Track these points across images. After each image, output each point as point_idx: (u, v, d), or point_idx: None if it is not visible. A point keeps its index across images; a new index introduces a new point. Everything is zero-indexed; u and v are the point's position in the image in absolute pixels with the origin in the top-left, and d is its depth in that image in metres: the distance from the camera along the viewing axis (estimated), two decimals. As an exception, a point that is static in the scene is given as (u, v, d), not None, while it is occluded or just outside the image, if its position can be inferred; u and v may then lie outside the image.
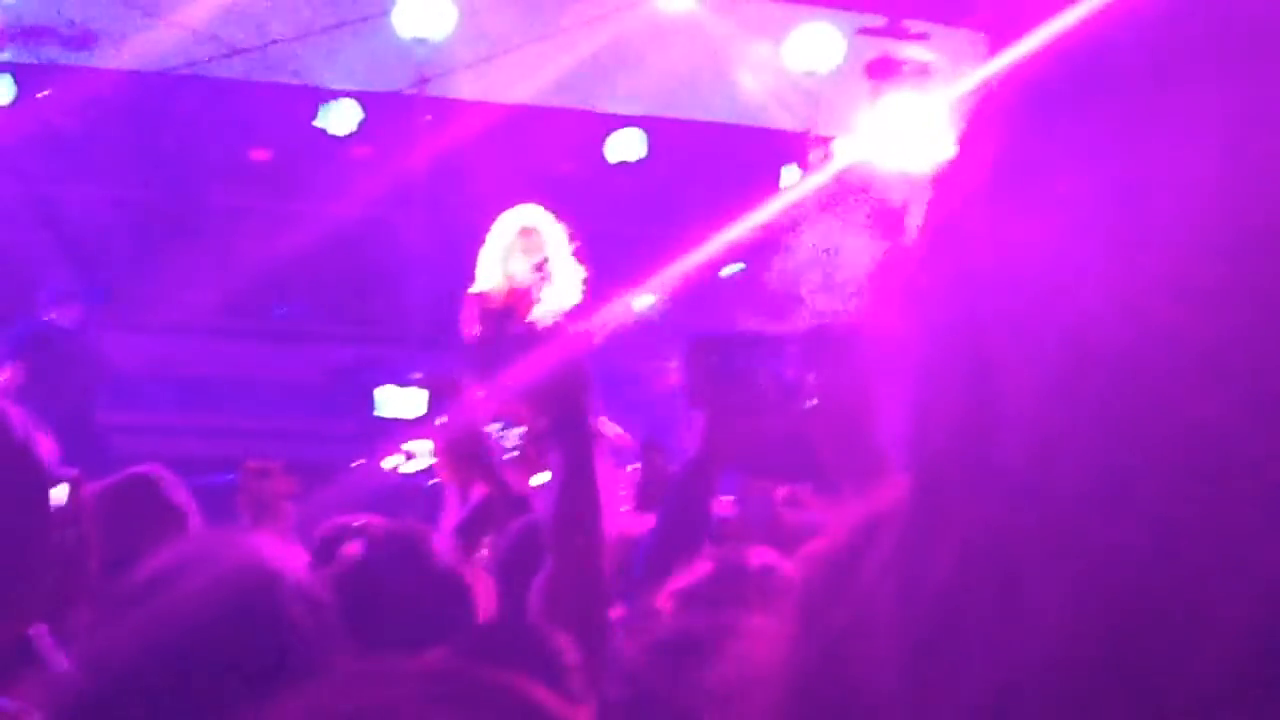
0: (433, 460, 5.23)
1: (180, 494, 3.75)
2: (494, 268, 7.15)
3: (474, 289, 7.23)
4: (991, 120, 0.59)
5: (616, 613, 3.15)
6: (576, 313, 7.22)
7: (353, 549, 3.11)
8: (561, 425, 3.14)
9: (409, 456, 7.94)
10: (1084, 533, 0.50)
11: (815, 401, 2.71)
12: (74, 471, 3.28)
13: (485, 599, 3.21)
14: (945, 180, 0.61)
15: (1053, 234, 0.54)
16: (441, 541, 3.21)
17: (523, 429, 6.93)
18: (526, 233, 7.18)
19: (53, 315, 9.98)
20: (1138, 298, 0.52)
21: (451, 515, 4.48)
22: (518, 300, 7.16)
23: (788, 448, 3.01)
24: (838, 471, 2.77)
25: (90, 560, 2.94)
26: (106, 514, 3.22)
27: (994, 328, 0.55)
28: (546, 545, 3.17)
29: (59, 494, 3.12)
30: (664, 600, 2.86)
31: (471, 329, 7.14)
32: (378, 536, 3.11)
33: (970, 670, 0.53)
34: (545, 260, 7.14)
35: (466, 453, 4.47)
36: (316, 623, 2.29)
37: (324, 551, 3.36)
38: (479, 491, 4.40)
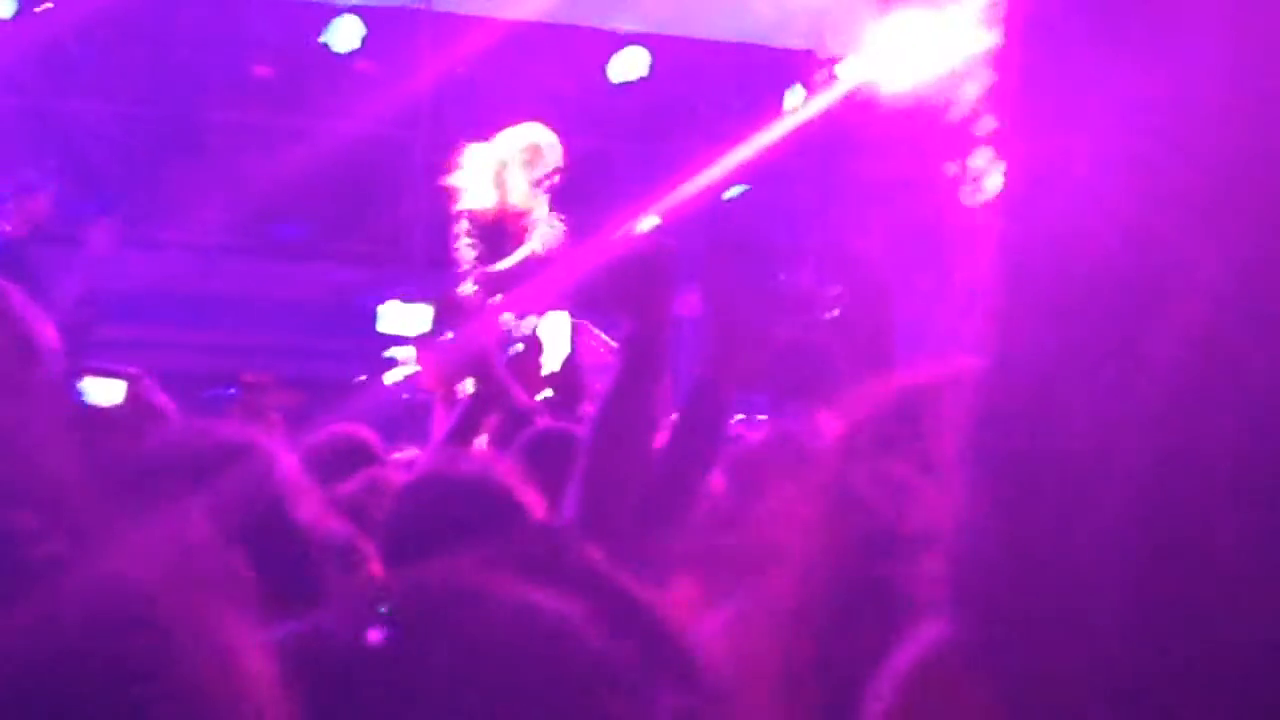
0: (416, 370, 5.20)
1: (160, 396, 3.79)
2: (488, 184, 7.11)
3: (463, 205, 7.17)
4: (1013, 40, 0.61)
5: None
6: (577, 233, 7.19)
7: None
8: (642, 325, 3.00)
9: (396, 368, 7.93)
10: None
11: (836, 313, 2.70)
12: (133, 370, 3.29)
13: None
14: (988, 102, 0.63)
15: (1068, 153, 0.56)
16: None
17: (535, 320, 6.90)
18: (531, 150, 7.14)
19: (9, 206, 9.46)
20: (1140, 218, 0.54)
21: (440, 427, 4.47)
22: (510, 218, 7.11)
23: (799, 362, 2.98)
24: (854, 385, 2.73)
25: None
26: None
27: (1028, 247, 0.59)
28: (585, 450, 3.07)
29: (115, 391, 3.13)
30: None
31: (465, 246, 7.09)
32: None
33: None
34: (547, 178, 7.11)
35: (455, 362, 4.42)
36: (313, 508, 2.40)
37: (314, 460, 3.36)
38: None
